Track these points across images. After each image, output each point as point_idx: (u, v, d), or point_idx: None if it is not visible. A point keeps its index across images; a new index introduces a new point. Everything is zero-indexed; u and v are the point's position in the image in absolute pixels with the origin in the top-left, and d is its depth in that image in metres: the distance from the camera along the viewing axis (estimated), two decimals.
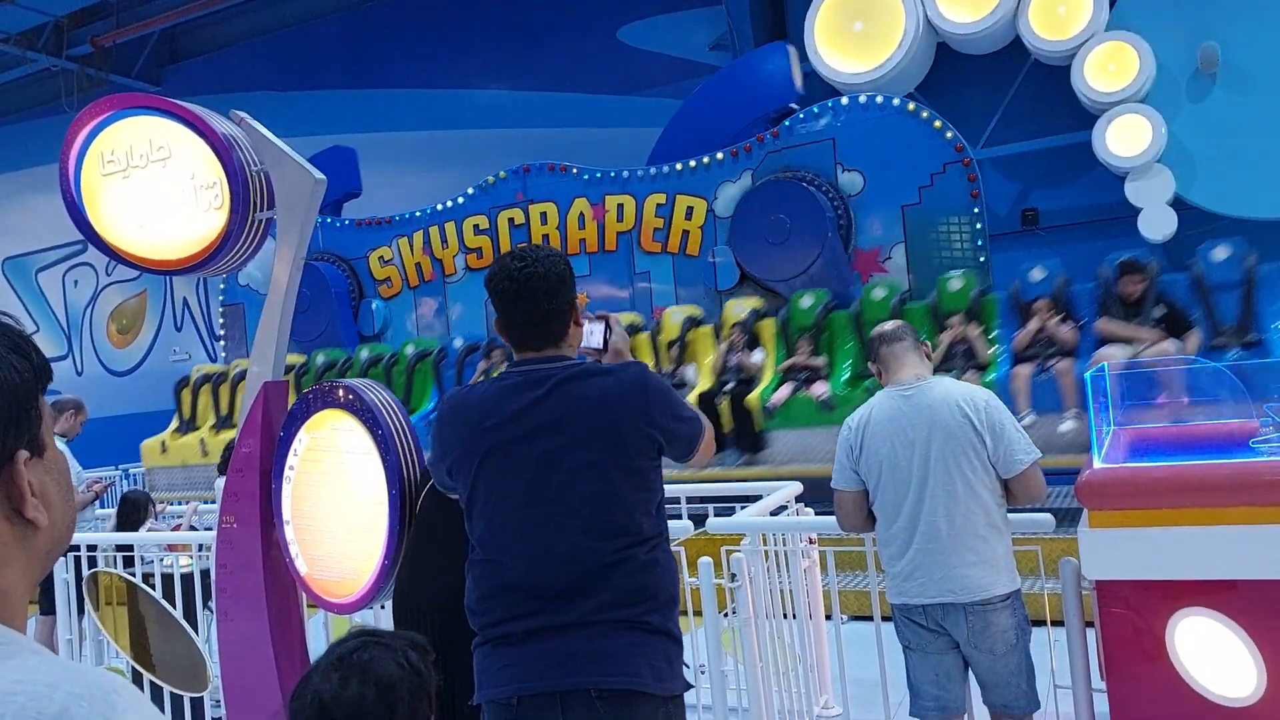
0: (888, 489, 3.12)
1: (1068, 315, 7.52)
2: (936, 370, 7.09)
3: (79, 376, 17.02)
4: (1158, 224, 9.54)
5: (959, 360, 7.58)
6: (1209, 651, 2.92)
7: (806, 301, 8.75)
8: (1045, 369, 7.12)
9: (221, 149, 4.12)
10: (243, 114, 4.28)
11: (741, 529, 3.84)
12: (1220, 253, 7.42)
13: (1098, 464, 3.17)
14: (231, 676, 3.58)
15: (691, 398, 8.20)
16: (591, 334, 2.44)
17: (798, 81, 10.01)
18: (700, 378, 8.78)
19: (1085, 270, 10.54)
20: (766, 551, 3.99)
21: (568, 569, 2.11)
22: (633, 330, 9.32)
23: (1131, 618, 3.01)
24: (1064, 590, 3.27)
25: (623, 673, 2.02)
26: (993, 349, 7.75)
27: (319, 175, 4.10)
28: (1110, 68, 9.37)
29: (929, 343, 3.33)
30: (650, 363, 9.15)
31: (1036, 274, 8.04)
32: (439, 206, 11.15)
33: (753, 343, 8.72)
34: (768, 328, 8.87)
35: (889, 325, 3.32)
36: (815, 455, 7.64)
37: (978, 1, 9.79)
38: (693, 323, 9.29)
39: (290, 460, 3.83)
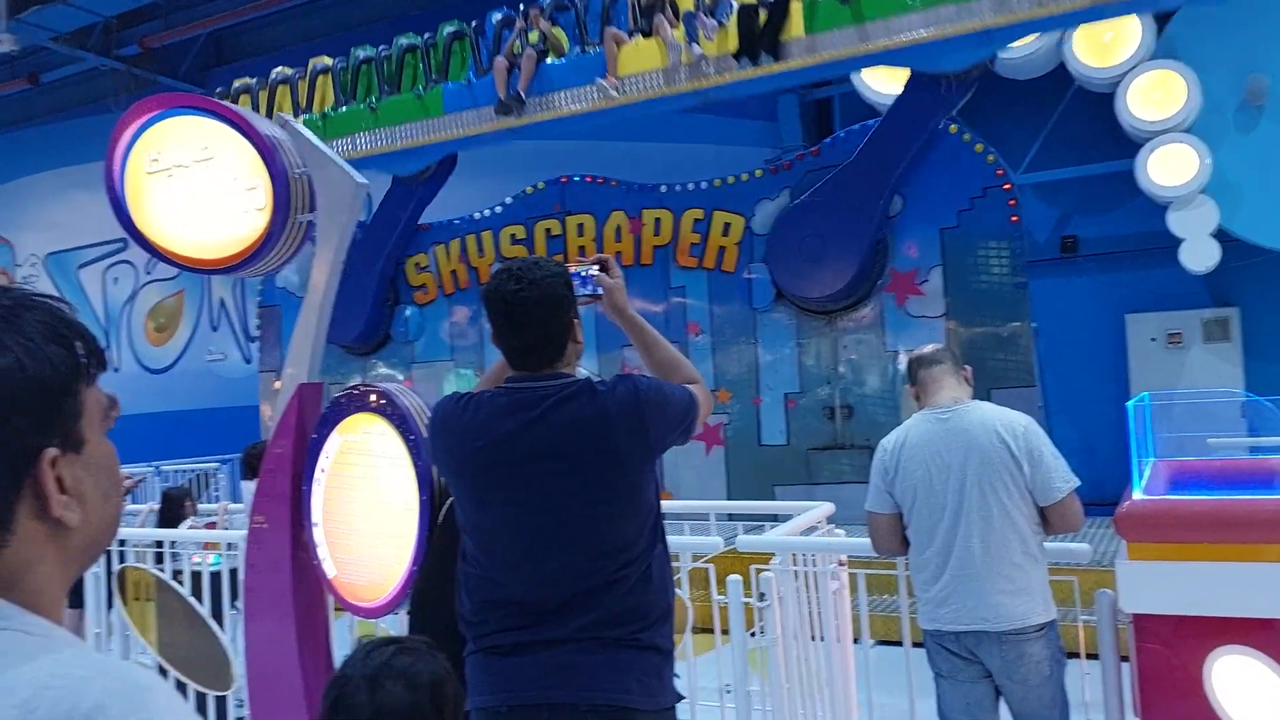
0: (923, 513, 3.08)
1: None
2: None
3: (116, 373, 17.23)
4: (1200, 255, 9.40)
5: None
6: (1247, 691, 2.86)
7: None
8: None
9: (265, 151, 4.15)
10: (286, 116, 4.33)
11: (771, 548, 3.81)
12: None
13: (1137, 495, 3.12)
14: (256, 676, 3.59)
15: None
16: (585, 282, 2.34)
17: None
18: None
19: (1126, 300, 10.45)
20: (796, 572, 3.95)
21: (562, 588, 2.11)
22: None
23: (1168, 653, 2.94)
24: (1100, 622, 3.21)
25: (613, 689, 2.02)
26: None
27: (361, 180, 4.13)
28: (1156, 96, 9.27)
29: (969, 367, 3.29)
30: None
31: None
32: (476, 215, 11.21)
33: None
34: None
35: (929, 348, 3.29)
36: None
37: None
38: None
39: (322, 463, 3.85)
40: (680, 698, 2.22)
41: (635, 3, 9.38)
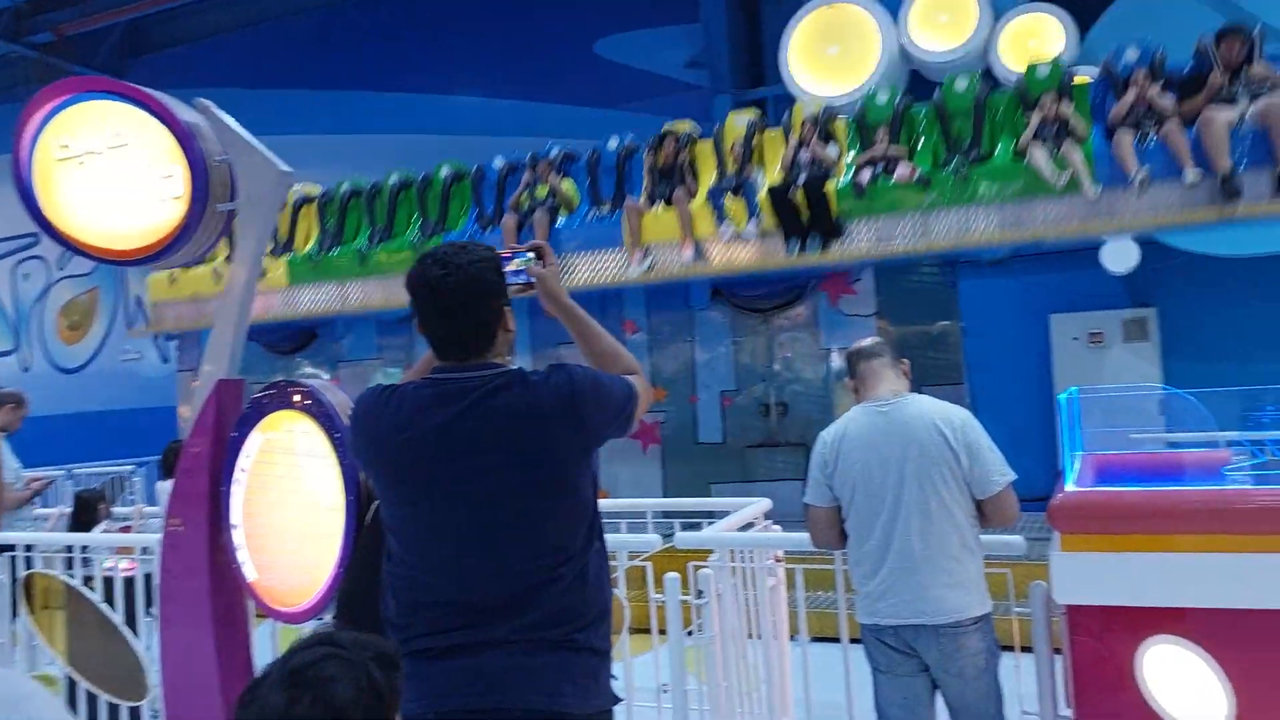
0: (862, 506, 3.06)
1: (1166, 83, 7.38)
2: (1041, 132, 7.08)
3: (26, 373, 16.60)
4: (1120, 257, 9.60)
5: (1050, 141, 7.45)
6: (1178, 679, 2.89)
7: (883, 97, 8.58)
8: (1146, 136, 7.00)
9: (183, 137, 4.00)
10: (206, 102, 4.16)
11: (710, 544, 3.77)
12: None
13: (1070, 487, 3.14)
14: (172, 685, 3.44)
15: (762, 194, 8.06)
16: (519, 271, 2.24)
17: None
18: (768, 176, 8.57)
19: (1050, 301, 10.67)
20: (734, 568, 3.91)
21: (494, 587, 2.01)
22: (692, 139, 9.05)
23: (1100, 644, 2.97)
24: (1033, 614, 3.23)
25: (547, 693, 1.93)
26: (1087, 124, 7.58)
27: (285, 168, 3.99)
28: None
29: (906, 360, 3.29)
30: (712, 169, 8.90)
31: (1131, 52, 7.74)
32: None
33: (826, 137, 8.50)
34: (841, 125, 8.67)
35: (867, 341, 3.29)
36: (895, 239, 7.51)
37: (951, 31, 9.88)
38: (757, 126, 9.00)
39: (242, 462, 3.71)
40: (617, 700, 2.14)
41: (653, 165, 8.97)
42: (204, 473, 3.81)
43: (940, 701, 3.13)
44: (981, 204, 7.60)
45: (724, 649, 3.71)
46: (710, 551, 3.76)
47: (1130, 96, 7.25)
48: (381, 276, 9.89)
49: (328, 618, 3.21)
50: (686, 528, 4.42)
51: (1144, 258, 9.55)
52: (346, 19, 14.67)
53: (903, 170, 7.77)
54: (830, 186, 7.88)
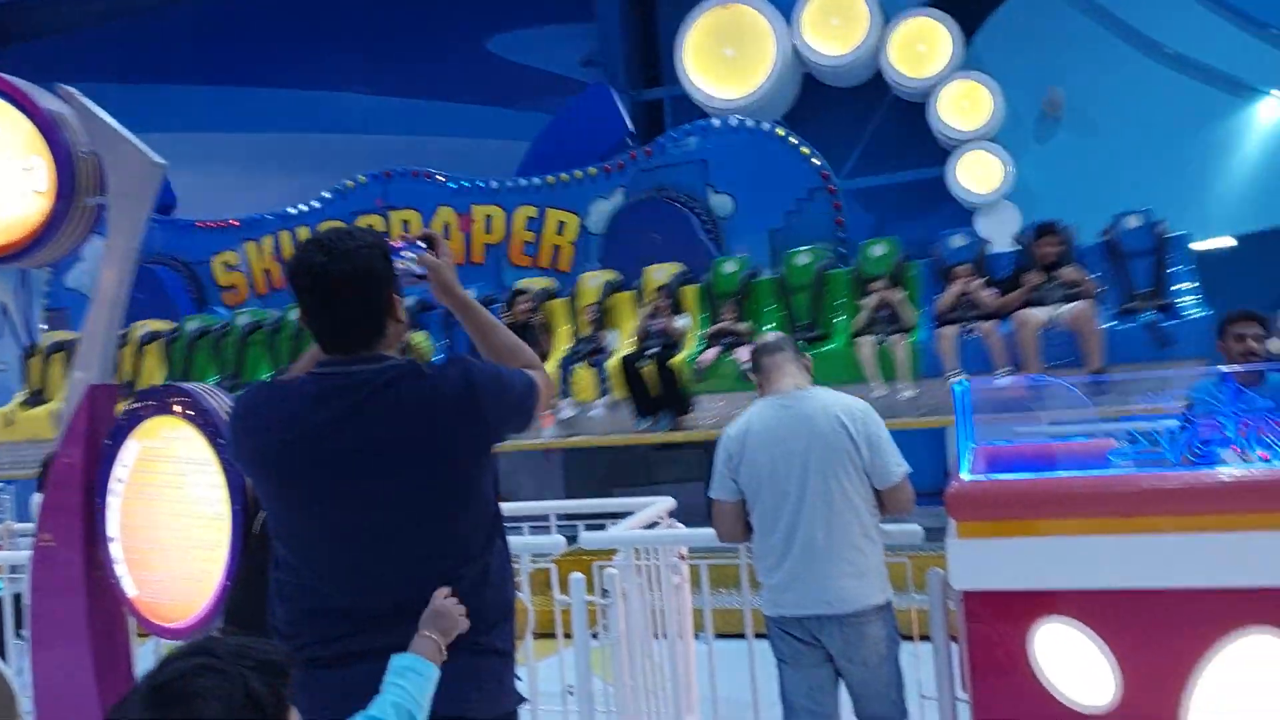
0: (767, 499, 3.07)
1: (990, 280, 7.55)
2: (863, 333, 7.21)
3: None
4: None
5: (882, 325, 7.56)
6: (1068, 660, 2.97)
7: (730, 267, 8.61)
8: (970, 331, 7.15)
9: (45, 127, 3.81)
10: (72, 90, 3.94)
11: (615, 543, 3.72)
12: (1133, 220, 7.60)
13: (965, 476, 3.21)
14: (47, 711, 3.25)
15: (613, 362, 7.95)
16: (411, 260, 2.10)
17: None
18: (621, 342, 8.48)
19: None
20: (639, 567, 3.88)
21: (390, 591, 1.90)
22: (547, 295, 8.95)
23: (995, 627, 3.04)
24: (930, 599, 3.29)
25: (450, 699, 1.82)
26: (915, 312, 7.72)
27: (158, 160, 3.83)
28: (964, 105, 9.80)
29: (809, 355, 3.31)
30: (567, 329, 8.80)
31: (958, 240, 8.03)
32: (292, 210, 10.68)
33: (676, 308, 8.49)
34: (691, 292, 8.65)
35: (770, 336, 3.31)
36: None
37: (842, 35, 10.10)
38: (612, 287, 8.93)
39: (118, 472, 3.53)
40: (522, 700, 2.07)
41: (510, 322, 8.31)
42: (77, 484, 3.62)
43: (844, 690, 3.16)
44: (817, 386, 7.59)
45: (630, 649, 3.67)
46: (615, 551, 3.72)
47: (955, 289, 7.46)
48: None
49: (214, 633, 3.06)
50: (591, 529, 4.37)
51: None
52: (227, 11, 14.14)
53: (742, 354, 7.74)
54: (678, 360, 7.93)
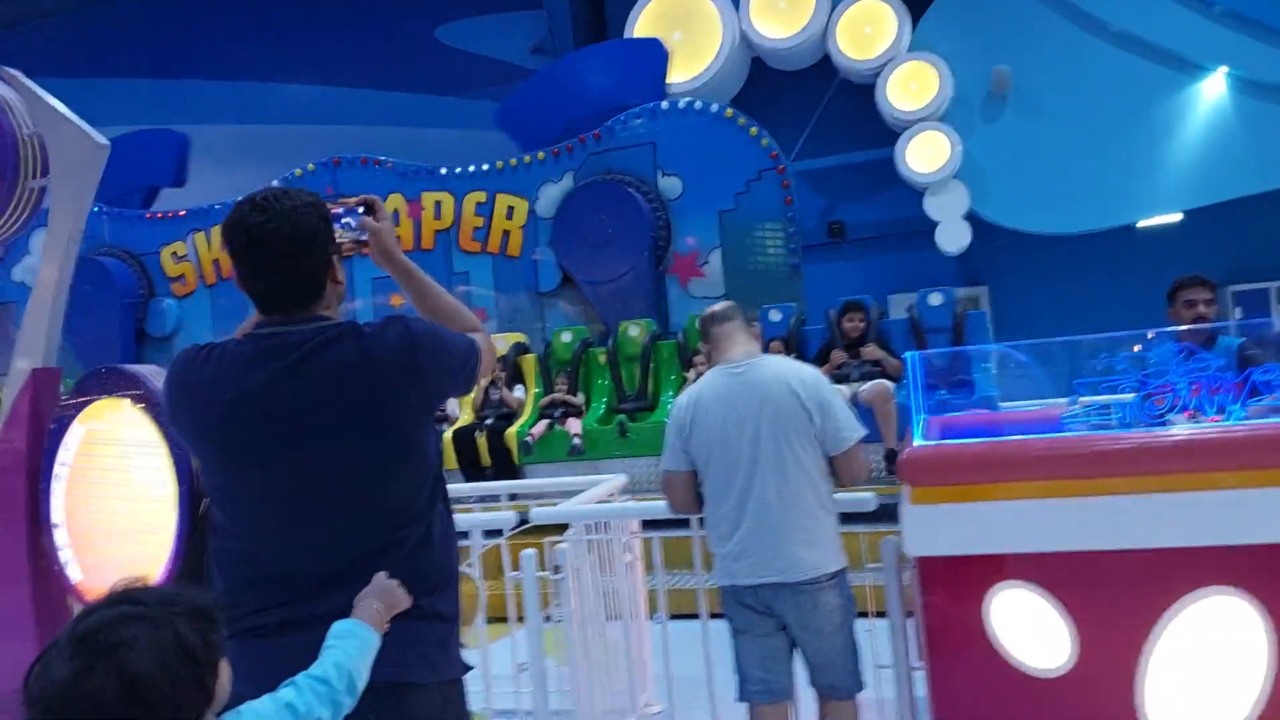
0: (719, 468, 3.06)
1: (800, 356, 7.68)
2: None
3: None
4: (953, 237, 10.10)
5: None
6: (1025, 625, 3.00)
7: (566, 337, 8.81)
8: None
9: None
10: (15, 72, 3.86)
11: (567, 518, 3.70)
12: (935, 299, 7.90)
13: (918, 442, 3.23)
14: None
15: (447, 435, 8.03)
16: (349, 225, 2.06)
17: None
18: (461, 412, 8.62)
19: (888, 282, 11.09)
20: (590, 543, 3.87)
21: (331, 556, 1.86)
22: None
23: (950, 594, 3.05)
24: (885, 568, 3.31)
25: (391, 663, 1.78)
26: None
27: (101, 140, 3.77)
28: (912, 87, 9.87)
29: (757, 324, 3.31)
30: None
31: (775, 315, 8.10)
32: (240, 199, 10.49)
33: (514, 378, 8.70)
34: (529, 362, 8.86)
35: (719, 306, 3.30)
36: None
37: (789, 18, 10.13)
38: (520, 349, 9.09)
39: (62, 455, 3.46)
40: (468, 668, 2.03)
41: None
42: (20, 469, 3.57)
43: (799, 661, 3.17)
44: (642, 456, 7.70)
45: (583, 627, 3.65)
46: (567, 526, 3.70)
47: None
48: None
49: None
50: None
51: (975, 238, 10.07)
52: (173, 3, 13.87)
53: (573, 425, 8.03)
54: (511, 432, 8.07)
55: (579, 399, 8.36)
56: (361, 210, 2.11)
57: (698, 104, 9.24)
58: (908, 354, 3.36)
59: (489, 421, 8.21)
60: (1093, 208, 9.77)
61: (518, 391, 8.55)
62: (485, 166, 9.78)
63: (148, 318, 10.69)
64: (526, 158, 9.64)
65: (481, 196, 9.74)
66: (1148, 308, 4.63)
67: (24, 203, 3.88)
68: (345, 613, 1.75)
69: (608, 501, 4.21)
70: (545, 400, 8.37)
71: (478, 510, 4.41)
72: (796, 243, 8.98)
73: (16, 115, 3.76)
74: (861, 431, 3.09)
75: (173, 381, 1.96)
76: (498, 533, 3.84)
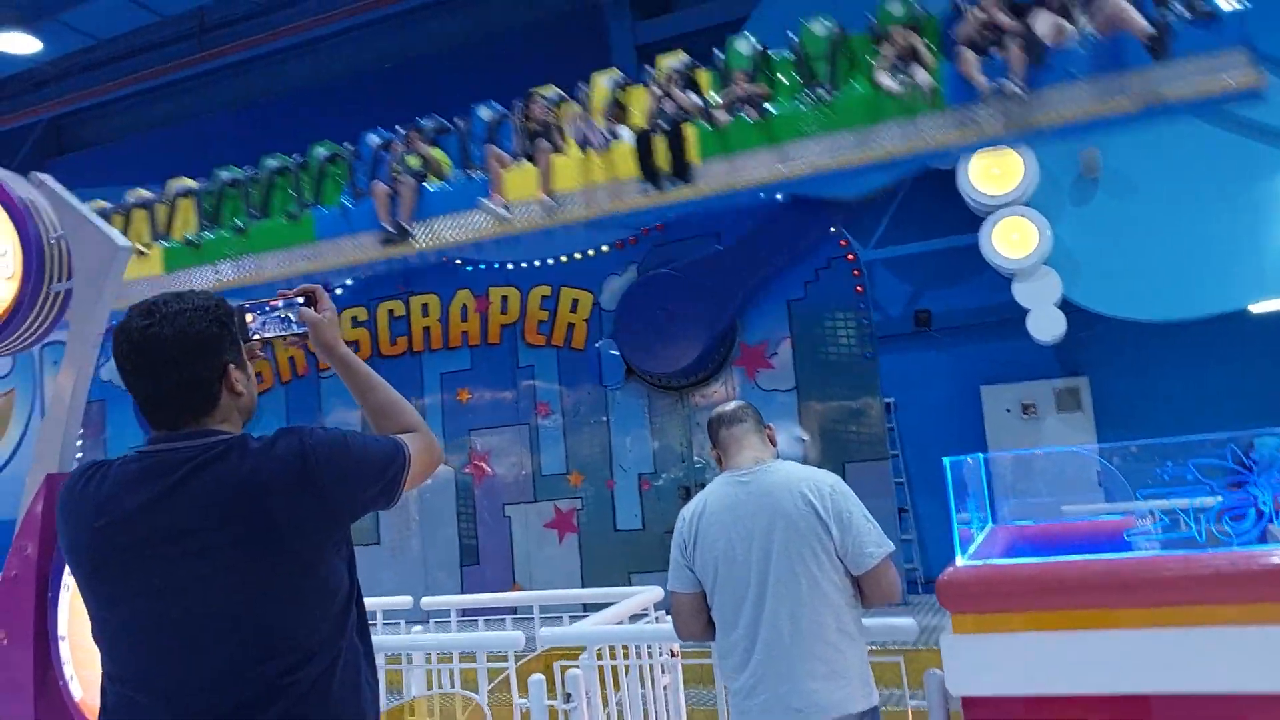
0: (726, 590, 2.74)
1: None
2: (893, 66, 7.06)
3: None
4: (1046, 325, 9.57)
5: (902, 73, 7.57)
6: None
7: (743, 46, 8.29)
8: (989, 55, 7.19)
9: (17, 215, 3.83)
10: (44, 176, 3.95)
11: (580, 640, 3.38)
12: None
13: (960, 561, 2.85)
14: None
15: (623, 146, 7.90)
16: (288, 319, 1.97)
17: None
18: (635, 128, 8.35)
19: (980, 372, 10.58)
20: (618, 666, 3.55)
21: (214, 701, 1.65)
22: (559, 100, 8.79)
23: None
24: (930, 708, 2.90)
25: None
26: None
27: (123, 242, 3.81)
28: (995, 172, 9.52)
29: (771, 426, 3.00)
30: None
31: None
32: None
33: (686, 85, 8.32)
34: (704, 74, 8.46)
35: (730, 406, 3.01)
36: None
37: None
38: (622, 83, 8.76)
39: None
40: None
41: (523, 126, 8.82)
42: (31, 577, 3.49)
43: None
44: (840, 130, 7.60)
45: None
46: (582, 649, 3.39)
47: (975, 18, 7.48)
48: (255, 254, 9.48)
49: None
50: (577, 621, 4.05)
51: (1071, 326, 9.53)
52: (262, 116, 14.48)
53: (751, 112, 7.86)
54: (689, 130, 7.88)
55: (761, 86, 8.01)
56: (301, 302, 1.99)
57: (763, 193, 9.07)
58: (945, 460, 2.99)
59: (664, 126, 7.84)
60: (1196, 292, 9.17)
61: (693, 97, 8.20)
62: (550, 260, 9.81)
63: None
64: (591, 250, 9.63)
65: (546, 290, 9.77)
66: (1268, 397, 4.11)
67: (49, 306, 3.90)
68: None
69: (639, 616, 3.89)
70: (726, 97, 7.99)
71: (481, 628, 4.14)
72: (870, 332, 8.64)
73: (44, 219, 3.81)
74: (889, 546, 2.71)
75: (59, 506, 1.80)
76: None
